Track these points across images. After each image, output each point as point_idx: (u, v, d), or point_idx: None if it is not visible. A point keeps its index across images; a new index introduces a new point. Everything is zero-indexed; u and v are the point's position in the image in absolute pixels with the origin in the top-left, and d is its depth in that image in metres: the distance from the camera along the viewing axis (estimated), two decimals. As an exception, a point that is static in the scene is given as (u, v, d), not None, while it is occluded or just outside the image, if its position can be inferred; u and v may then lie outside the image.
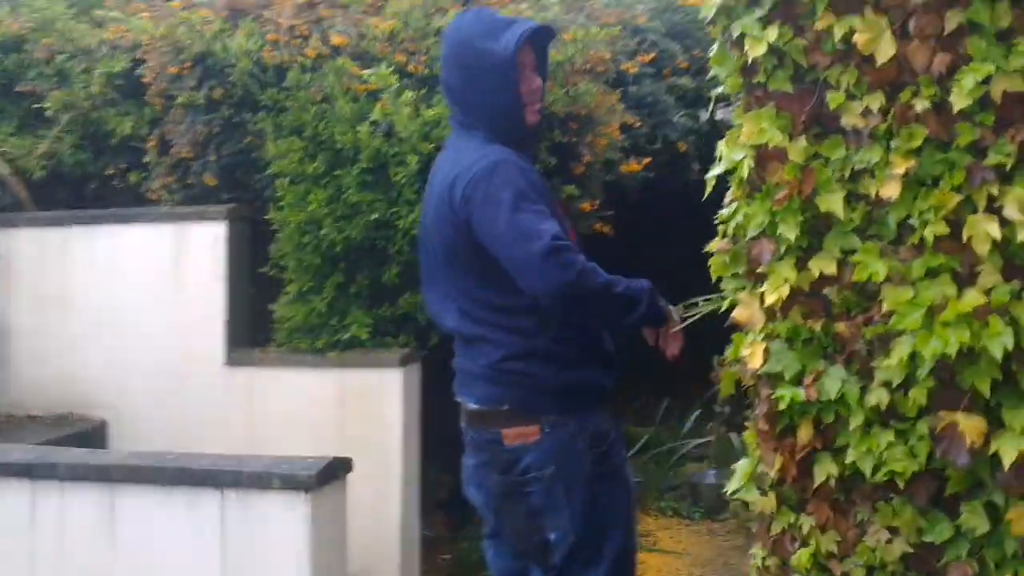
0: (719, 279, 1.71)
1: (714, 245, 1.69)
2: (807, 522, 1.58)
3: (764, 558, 1.64)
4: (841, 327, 1.53)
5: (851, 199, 1.52)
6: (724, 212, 1.66)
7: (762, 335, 1.58)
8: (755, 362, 1.57)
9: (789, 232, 1.53)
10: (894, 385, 1.48)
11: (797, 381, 1.55)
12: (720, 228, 1.67)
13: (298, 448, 3.34)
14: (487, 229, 2.15)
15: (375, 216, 3.69)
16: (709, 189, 1.73)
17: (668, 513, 5.19)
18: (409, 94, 3.64)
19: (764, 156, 1.57)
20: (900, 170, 1.46)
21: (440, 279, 2.38)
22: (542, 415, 2.34)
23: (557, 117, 4.05)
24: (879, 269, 1.47)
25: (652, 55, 4.77)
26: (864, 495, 1.54)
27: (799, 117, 1.56)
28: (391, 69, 3.70)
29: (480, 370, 2.43)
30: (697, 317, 2.22)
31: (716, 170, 1.68)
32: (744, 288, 1.62)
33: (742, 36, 1.56)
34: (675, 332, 2.19)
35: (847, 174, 1.52)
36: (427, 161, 3.57)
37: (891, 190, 1.47)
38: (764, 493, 1.62)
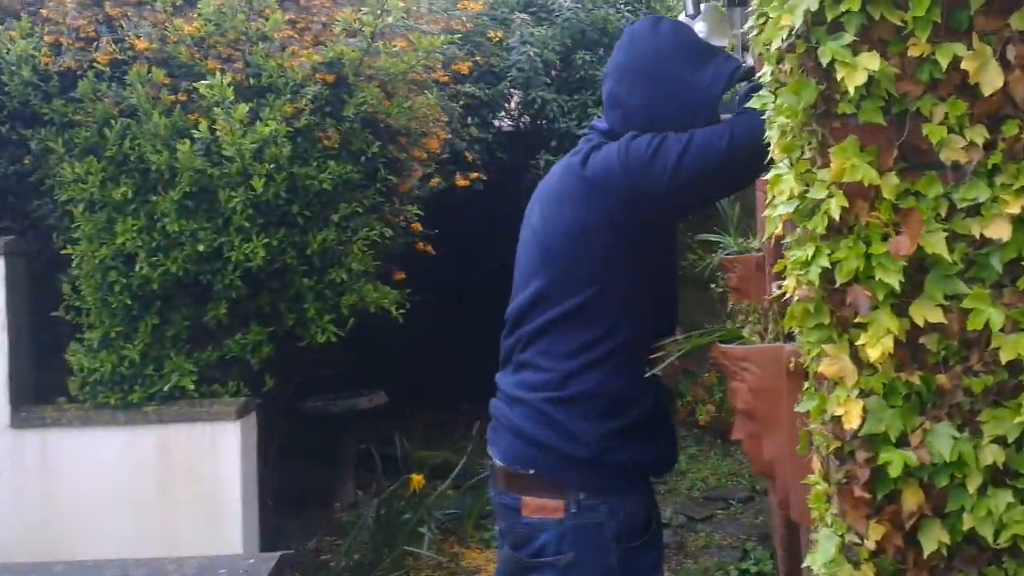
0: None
1: (787, 291, 1.51)
2: (907, 594, 1.44)
3: (855, 636, 1.48)
4: (943, 379, 1.41)
5: (950, 240, 1.40)
6: (796, 255, 1.48)
7: (856, 391, 1.42)
8: (852, 422, 1.41)
9: (890, 278, 1.39)
10: (1009, 441, 1.37)
11: (901, 442, 1.41)
12: (792, 274, 1.49)
13: (114, 521, 2.89)
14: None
15: (200, 247, 3.23)
16: (771, 230, 1.55)
17: (493, 544, 4.99)
18: (244, 107, 3.21)
19: (852, 195, 1.42)
20: (1014, 209, 1.35)
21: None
22: (571, 490, 2.02)
23: (390, 130, 3.76)
24: (992, 316, 1.36)
25: (468, 63, 4.58)
26: (968, 560, 1.42)
27: (888, 151, 1.42)
28: (226, 81, 3.24)
29: (511, 416, 2.12)
30: (686, 350, 2.06)
31: (782, 209, 1.51)
32: (831, 339, 1.45)
33: (831, 63, 1.39)
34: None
35: (943, 213, 1.40)
36: (266, 183, 3.18)
37: (1000, 231, 1.36)
38: (856, 567, 1.45)
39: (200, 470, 3.29)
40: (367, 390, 5.87)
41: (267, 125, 3.25)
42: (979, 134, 1.38)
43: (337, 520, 5.62)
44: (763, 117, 1.97)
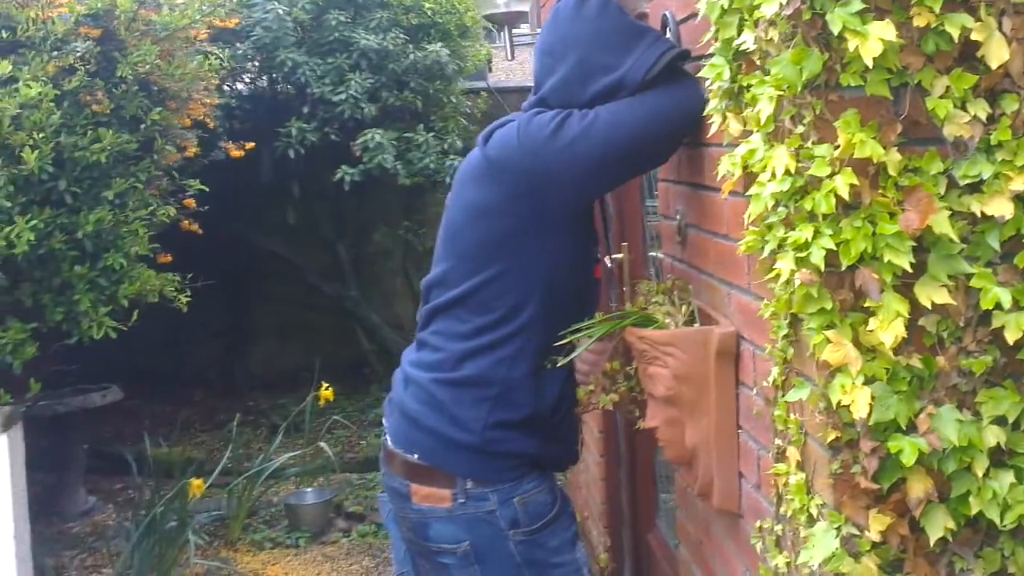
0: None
1: (780, 275, 1.41)
2: (907, 583, 1.40)
3: (853, 630, 1.42)
4: (942, 361, 1.37)
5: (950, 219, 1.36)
6: (792, 236, 1.39)
7: (860, 378, 1.36)
8: (860, 411, 1.34)
9: (900, 259, 1.32)
10: (1010, 420, 1.36)
11: (908, 428, 1.36)
12: (787, 256, 1.40)
13: None
14: None
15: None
16: (757, 210, 1.44)
17: (267, 545, 4.68)
18: (7, 64, 2.71)
19: (857, 172, 1.34)
20: (1018, 185, 1.33)
21: None
22: (458, 478, 1.90)
23: (165, 94, 3.32)
24: (1001, 295, 1.33)
25: (236, 19, 4.15)
26: (964, 543, 1.40)
27: (891, 126, 1.35)
28: None
29: (402, 395, 2.03)
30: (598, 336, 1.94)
31: (773, 187, 1.41)
32: (832, 325, 1.37)
33: (842, 32, 1.30)
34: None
35: (942, 190, 1.36)
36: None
37: (1002, 208, 1.33)
38: (857, 559, 1.40)
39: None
40: (98, 386, 5.30)
41: (30, 87, 2.75)
42: (982, 108, 1.34)
43: (69, 531, 5.06)
44: (684, 93, 1.88)
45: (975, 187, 1.35)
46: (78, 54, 2.96)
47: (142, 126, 3.22)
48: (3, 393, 2.97)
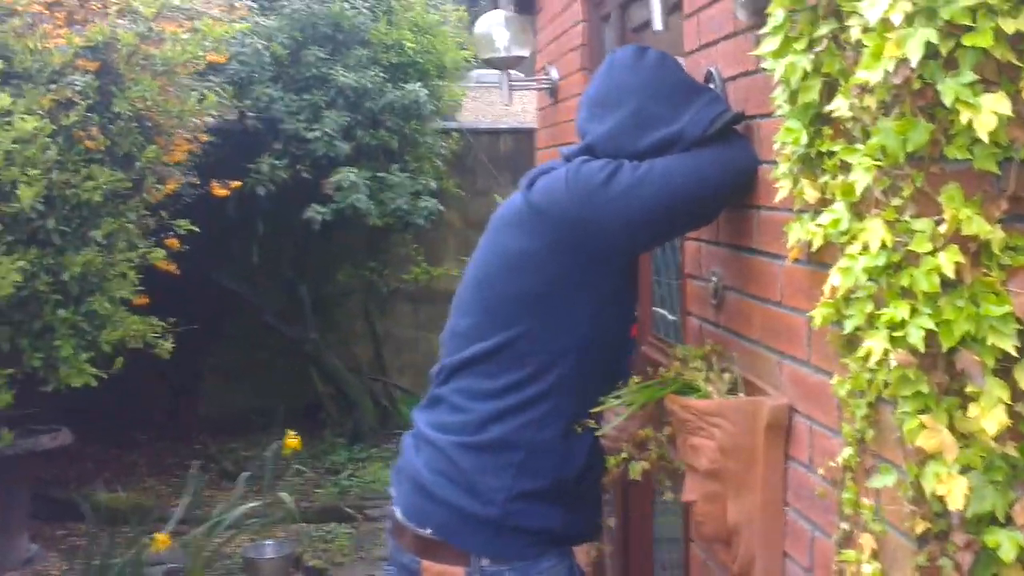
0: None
1: (871, 354, 1.34)
2: None
3: None
4: (1036, 450, 1.31)
5: (1049, 300, 1.30)
6: (886, 314, 1.32)
7: (956, 467, 1.28)
8: (956, 502, 1.26)
9: (1004, 343, 1.26)
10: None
11: (1005, 521, 1.28)
12: (878, 335, 1.32)
13: None
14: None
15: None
16: (846, 285, 1.37)
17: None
18: (7, 97, 2.56)
19: (962, 250, 1.28)
20: (1120, 270, 1.27)
21: None
22: (472, 555, 1.78)
23: (158, 130, 3.20)
24: (1105, 383, 1.27)
25: (225, 54, 4.04)
26: (1052, 642, 1.33)
27: (995, 202, 1.29)
28: None
29: (414, 462, 1.90)
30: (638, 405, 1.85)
31: (864, 261, 1.34)
32: (928, 409, 1.30)
33: (954, 103, 1.24)
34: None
35: (1043, 270, 1.30)
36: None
37: (1106, 292, 1.27)
38: (945, 659, 1.31)
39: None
40: (47, 427, 5.04)
41: (25, 121, 2.60)
42: (1087, 188, 1.29)
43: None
44: (737, 154, 1.82)
45: (1078, 270, 1.30)
46: (76, 88, 2.82)
47: (137, 164, 3.07)
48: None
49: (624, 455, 1.95)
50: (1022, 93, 1.27)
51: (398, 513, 1.96)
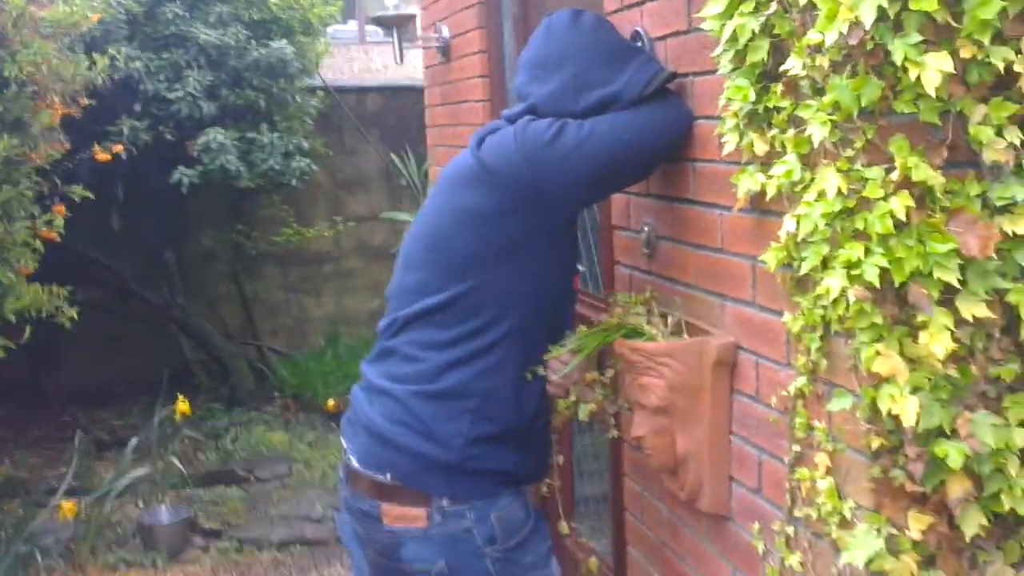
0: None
1: (829, 292, 1.48)
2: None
3: (891, 624, 1.51)
4: (975, 370, 1.48)
5: (982, 237, 1.46)
6: (843, 254, 1.46)
7: (908, 388, 1.44)
8: (908, 418, 1.42)
9: (949, 276, 1.42)
10: (1033, 423, 1.48)
11: (950, 434, 1.45)
12: (837, 273, 1.46)
13: None
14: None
15: None
16: (807, 229, 1.50)
17: (121, 567, 4.40)
18: None
19: (911, 194, 1.43)
20: (1046, 207, 1.45)
21: None
22: (433, 496, 1.85)
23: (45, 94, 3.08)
24: (1033, 307, 1.45)
25: (99, 15, 3.87)
26: (987, 537, 1.51)
27: (937, 151, 1.45)
28: None
29: (369, 412, 1.95)
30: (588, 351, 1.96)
31: (821, 207, 1.47)
32: (881, 338, 1.45)
33: (904, 61, 1.38)
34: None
35: (978, 210, 1.46)
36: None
37: (1029, 227, 1.45)
38: (897, 557, 1.48)
39: None
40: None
41: None
42: (1016, 135, 1.45)
43: None
44: (674, 111, 1.93)
45: (1006, 208, 1.46)
46: (-31, 52, 2.68)
47: (31, 130, 2.94)
48: None
49: (573, 398, 2.06)
50: (959, 52, 1.42)
51: (354, 462, 2.00)
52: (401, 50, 3.64)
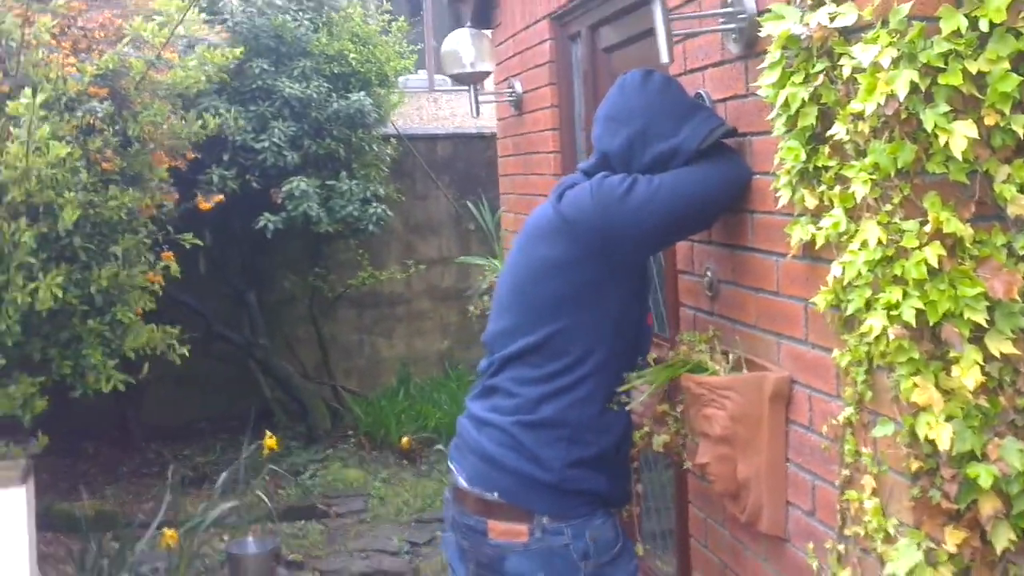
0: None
1: (871, 331, 1.67)
2: (976, 587, 1.67)
3: (931, 631, 1.68)
4: (1003, 401, 1.65)
5: (1009, 283, 1.64)
6: (883, 297, 1.65)
7: (942, 416, 1.62)
8: (943, 443, 1.60)
9: (977, 316, 1.60)
10: (1055, 450, 1.65)
11: (982, 457, 1.63)
12: (878, 314, 1.66)
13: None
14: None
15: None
16: (850, 276, 1.70)
17: (219, 598, 4.63)
18: (47, 128, 2.74)
19: (943, 244, 1.62)
20: (1063, 257, 1.63)
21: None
22: (535, 514, 2.05)
23: (162, 150, 3.39)
24: (1052, 347, 1.62)
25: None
26: (1018, 552, 1.68)
27: (966, 206, 1.64)
28: (39, 99, 2.72)
29: (478, 438, 2.16)
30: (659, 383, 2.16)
31: (864, 255, 1.67)
32: (918, 371, 1.64)
33: (934, 128, 1.58)
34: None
35: (1004, 258, 1.65)
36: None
37: (1050, 275, 1.63)
38: (936, 568, 1.65)
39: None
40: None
41: (59, 146, 2.78)
42: (1036, 193, 1.64)
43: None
44: (735, 168, 2.14)
45: (1028, 256, 1.65)
46: (98, 114, 3.01)
47: (150, 183, 3.28)
48: (12, 445, 2.95)
49: (646, 429, 2.26)
50: (984, 120, 1.62)
51: (461, 482, 2.22)
52: (477, 104, 3.91)
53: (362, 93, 6.51)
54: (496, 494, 2.14)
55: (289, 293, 7.70)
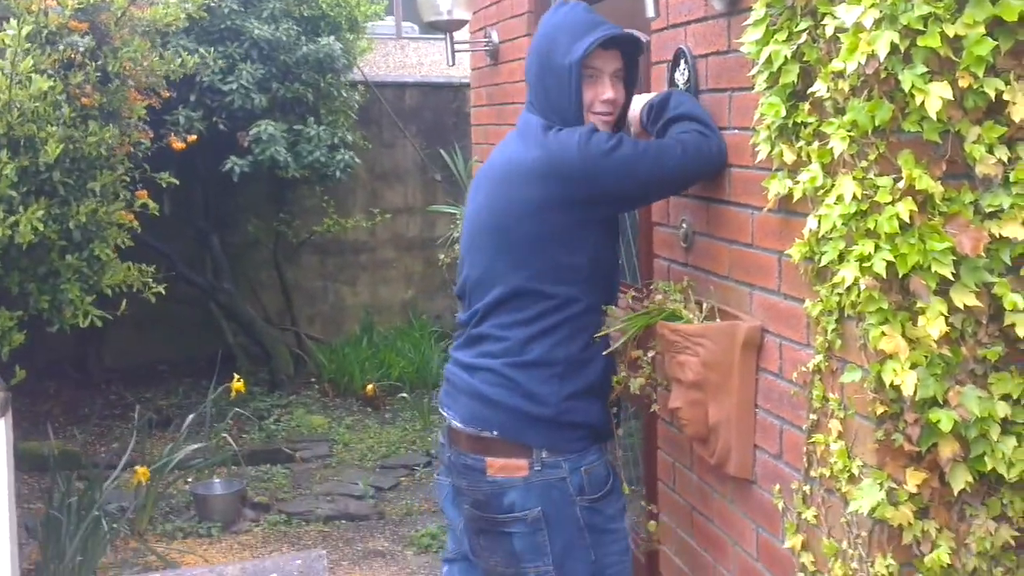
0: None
1: (843, 282, 1.74)
2: (931, 526, 1.77)
3: (888, 565, 1.78)
4: (965, 351, 1.74)
5: (975, 238, 1.72)
6: (856, 249, 1.73)
7: (908, 363, 1.71)
8: (908, 389, 1.69)
9: (944, 270, 1.68)
10: (1014, 397, 1.74)
11: (943, 403, 1.72)
12: (851, 265, 1.73)
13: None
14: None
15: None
16: (826, 228, 1.77)
17: (178, 535, 4.70)
18: (30, 60, 2.73)
19: (914, 200, 1.69)
20: (1026, 214, 1.71)
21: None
22: (534, 449, 2.13)
23: (138, 88, 3.38)
24: (1017, 299, 1.71)
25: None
26: (973, 494, 1.78)
27: (937, 164, 1.71)
28: (24, 30, 2.70)
29: (470, 381, 2.21)
30: (635, 330, 2.23)
31: (839, 209, 1.74)
32: (887, 321, 1.72)
33: (912, 89, 1.65)
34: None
35: (971, 215, 1.73)
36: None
37: (1015, 231, 1.70)
38: (896, 507, 1.75)
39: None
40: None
41: (42, 80, 2.77)
42: (1004, 153, 1.71)
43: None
44: (711, 150, 2.20)
45: (995, 214, 1.73)
46: (79, 49, 2.99)
47: (129, 120, 3.27)
48: (-3, 380, 2.97)
49: (623, 374, 2.33)
50: (958, 82, 1.69)
51: (456, 423, 2.28)
52: (454, 53, 3.92)
53: (332, 37, 6.47)
54: (495, 432, 2.20)
55: (253, 237, 7.68)
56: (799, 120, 1.90)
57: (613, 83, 2.28)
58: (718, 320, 2.23)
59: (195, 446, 4.91)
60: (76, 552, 3.93)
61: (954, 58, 1.67)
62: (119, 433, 6.38)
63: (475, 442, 2.24)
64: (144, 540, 4.62)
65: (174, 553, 4.44)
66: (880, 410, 1.76)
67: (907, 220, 1.68)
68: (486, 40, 4.07)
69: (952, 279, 1.69)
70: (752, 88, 2.02)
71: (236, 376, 4.84)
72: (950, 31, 1.65)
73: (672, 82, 2.44)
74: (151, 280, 3.60)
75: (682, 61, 2.39)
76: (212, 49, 6.09)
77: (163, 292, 3.76)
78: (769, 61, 1.92)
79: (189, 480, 5.31)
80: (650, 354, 2.36)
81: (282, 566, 1.93)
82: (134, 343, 7.60)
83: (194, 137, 4.36)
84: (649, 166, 2.16)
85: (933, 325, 1.69)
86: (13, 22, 2.81)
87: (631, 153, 2.15)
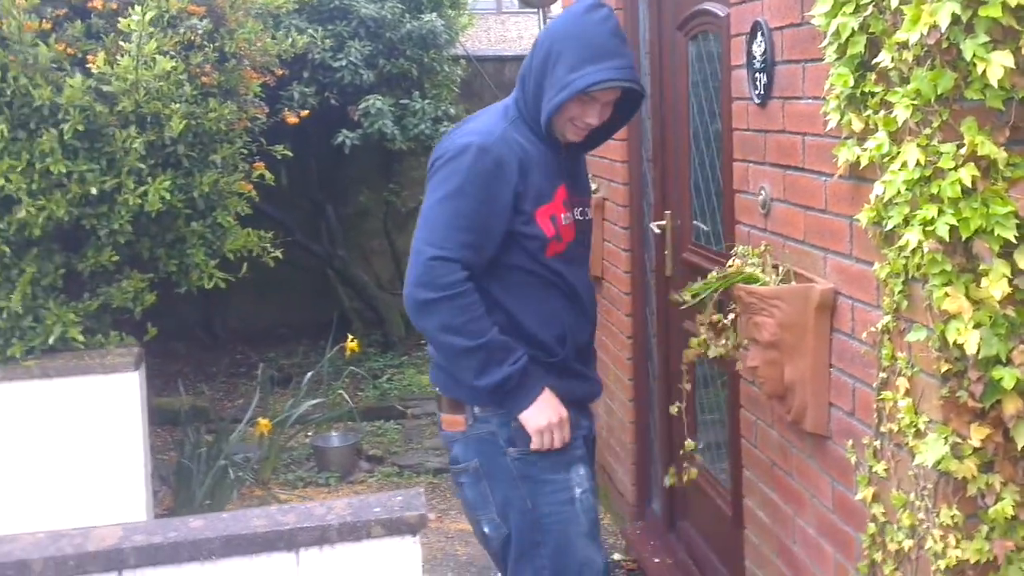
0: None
1: (907, 245, 1.82)
2: (996, 479, 1.84)
3: (953, 516, 1.86)
4: (1027, 311, 1.80)
5: (1039, 202, 1.77)
6: (920, 214, 1.80)
7: (971, 323, 1.78)
8: (971, 348, 1.76)
9: (1007, 233, 1.74)
10: (1076, 357, 1.79)
11: (1007, 362, 1.78)
12: (915, 229, 1.80)
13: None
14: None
15: (93, 190, 2.99)
16: (890, 193, 1.84)
17: (299, 484, 5.00)
18: (154, 43, 2.96)
19: (977, 166, 1.75)
20: (1090, 179, 1.75)
21: None
22: (466, 405, 2.32)
23: (254, 67, 3.60)
24: (1076, 263, 1.76)
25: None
26: (1038, 449, 1.84)
27: (1001, 131, 1.77)
28: (148, 16, 2.95)
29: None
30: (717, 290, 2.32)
31: (903, 175, 1.81)
32: (951, 283, 1.79)
33: (973, 57, 1.70)
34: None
35: (1034, 180, 1.78)
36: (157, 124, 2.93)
37: (1079, 196, 1.76)
38: (961, 461, 1.83)
39: (97, 426, 3.06)
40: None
41: (165, 61, 3.03)
42: (1065, 119, 1.75)
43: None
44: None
45: (1059, 180, 1.77)
46: (199, 31, 3.25)
47: (245, 97, 3.53)
48: (125, 336, 3.28)
49: (703, 336, 2.44)
50: (1021, 50, 1.73)
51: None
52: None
53: (434, 14, 6.64)
54: (439, 389, 2.40)
55: (364, 207, 7.96)
56: (866, 89, 1.96)
57: (602, 111, 2.32)
58: (793, 283, 2.32)
59: (314, 402, 5.21)
60: (205, 497, 4.26)
61: (1016, 27, 1.72)
62: (244, 390, 6.75)
63: (437, 399, 2.44)
64: (268, 488, 4.94)
65: (296, 499, 4.74)
66: (944, 368, 1.83)
67: (969, 185, 1.74)
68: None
69: (1015, 242, 1.75)
70: (823, 59, 2.09)
71: (350, 337, 5.09)
72: (1012, 0, 1.70)
73: (750, 54, 2.51)
74: (269, 245, 3.87)
75: (759, 33, 2.46)
76: (321, 28, 6.33)
77: (280, 256, 4.02)
78: (837, 33, 1.99)
79: (309, 434, 5.62)
80: (730, 316, 2.46)
81: (385, 502, 2.13)
82: (256, 308, 7.98)
83: (307, 112, 4.60)
84: (430, 224, 2.30)
85: (996, 286, 1.75)
86: (137, 8, 3.06)
87: (438, 208, 2.30)
